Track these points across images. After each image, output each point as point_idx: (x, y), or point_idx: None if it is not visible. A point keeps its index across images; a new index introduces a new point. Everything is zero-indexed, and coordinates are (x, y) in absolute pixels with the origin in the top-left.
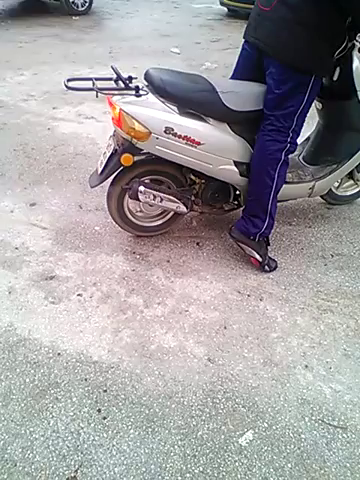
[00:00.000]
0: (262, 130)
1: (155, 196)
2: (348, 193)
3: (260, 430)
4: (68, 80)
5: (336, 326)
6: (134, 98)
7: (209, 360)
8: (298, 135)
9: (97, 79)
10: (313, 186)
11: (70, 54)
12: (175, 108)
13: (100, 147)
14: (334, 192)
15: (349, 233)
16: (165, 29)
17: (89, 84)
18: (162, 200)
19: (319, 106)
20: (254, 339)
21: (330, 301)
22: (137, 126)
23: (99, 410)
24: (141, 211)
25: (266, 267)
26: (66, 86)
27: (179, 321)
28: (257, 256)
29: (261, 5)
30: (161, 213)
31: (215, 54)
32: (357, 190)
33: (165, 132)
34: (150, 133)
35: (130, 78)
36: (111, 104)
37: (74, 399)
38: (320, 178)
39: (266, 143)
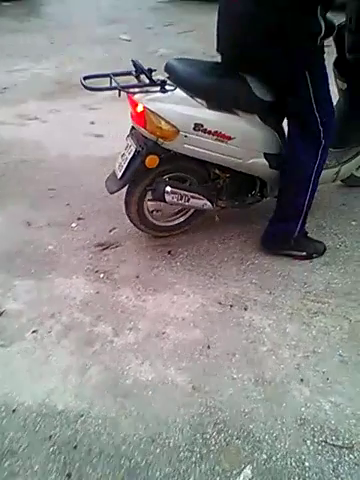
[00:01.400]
0: (292, 132)
1: (182, 196)
2: None
3: (259, 464)
4: (84, 78)
5: (329, 330)
6: (159, 94)
7: (194, 388)
8: (330, 126)
9: (115, 75)
10: (338, 171)
11: (6, 46)
12: (204, 102)
13: (49, 152)
14: (354, 174)
15: (332, 223)
16: (112, 14)
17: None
18: (189, 199)
19: (343, 86)
20: (242, 356)
21: (320, 302)
22: (164, 125)
23: (69, 475)
24: (158, 210)
25: (314, 255)
26: (85, 87)
27: (156, 346)
28: (301, 253)
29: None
30: (180, 210)
31: (169, 39)
32: None
33: (194, 129)
34: (178, 131)
35: (150, 71)
36: (133, 102)
37: (36, 467)
38: (345, 162)
39: (297, 152)
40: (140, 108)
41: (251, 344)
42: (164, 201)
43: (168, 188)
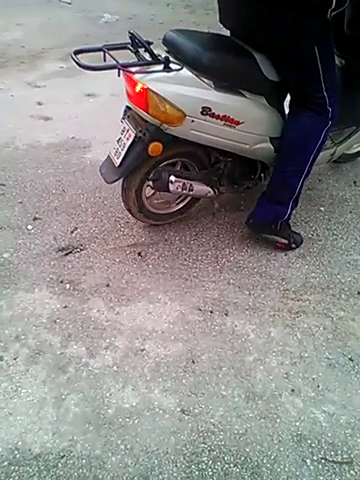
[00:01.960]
0: (299, 111)
1: (185, 184)
2: (354, 150)
3: None
4: (75, 53)
5: (313, 331)
6: (164, 74)
7: (183, 412)
8: (337, 106)
9: (109, 48)
10: (334, 151)
11: None
12: (211, 83)
13: None
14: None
15: (301, 210)
16: None
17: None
18: (193, 188)
19: (340, 63)
20: (229, 369)
21: (300, 299)
22: (169, 109)
23: None
24: (153, 196)
25: (293, 245)
26: (79, 65)
27: (136, 366)
28: (283, 240)
29: None
30: (179, 197)
31: (114, 3)
32: None
33: (202, 113)
34: (185, 116)
35: (148, 44)
36: (132, 81)
37: None
38: (341, 142)
39: (303, 132)
40: (140, 89)
41: (237, 354)
42: (168, 191)
43: (172, 178)
